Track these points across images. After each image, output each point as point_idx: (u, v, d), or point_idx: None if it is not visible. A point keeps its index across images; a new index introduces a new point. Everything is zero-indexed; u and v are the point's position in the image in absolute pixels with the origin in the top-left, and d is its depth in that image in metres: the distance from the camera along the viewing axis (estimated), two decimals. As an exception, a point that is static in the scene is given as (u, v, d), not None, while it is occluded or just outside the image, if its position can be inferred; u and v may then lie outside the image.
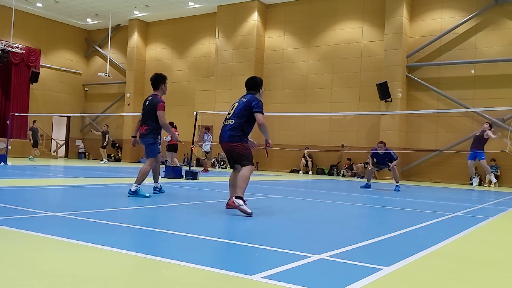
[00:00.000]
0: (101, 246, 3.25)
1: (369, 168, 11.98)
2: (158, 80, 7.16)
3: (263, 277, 2.60)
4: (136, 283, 2.44)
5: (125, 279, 2.51)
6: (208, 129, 16.50)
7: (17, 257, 2.84)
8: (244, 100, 5.79)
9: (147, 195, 6.75)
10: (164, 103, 7.06)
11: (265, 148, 5.96)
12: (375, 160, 11.67)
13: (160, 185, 7.54)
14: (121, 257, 3.00)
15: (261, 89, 6.07)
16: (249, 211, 5.25)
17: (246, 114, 5.71)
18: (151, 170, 7.24)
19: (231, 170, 6.02)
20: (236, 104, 5.84)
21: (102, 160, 21.83)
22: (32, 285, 2.30)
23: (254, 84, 6.01)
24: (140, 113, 7.41)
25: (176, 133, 16.63)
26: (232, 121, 5.74)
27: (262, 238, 3.96)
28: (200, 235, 3.87)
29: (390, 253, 3.65)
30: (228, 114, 5.86)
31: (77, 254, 3.03)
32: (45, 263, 2.76)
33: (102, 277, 2.51)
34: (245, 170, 5.55)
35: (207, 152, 15.68)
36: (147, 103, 7.13)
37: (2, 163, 14.87)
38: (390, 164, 11.37)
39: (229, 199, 5.65)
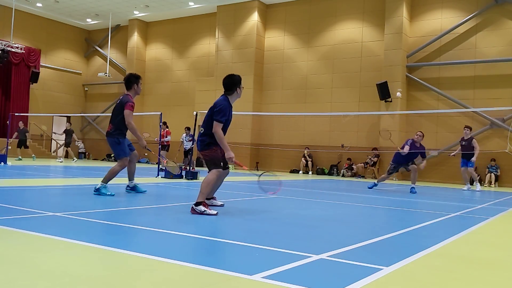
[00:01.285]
0: (101, 246, 3.25)
1: (384, 175, 11.27)
2: (131, 80, 7.04)
3: (263, 277, 2.60)
4: (136, 283, 2.44)
5: (125, 279, 2.51)
6: (189, 128, 16.20)
7: (17, 257, 2.84)
8: (212, 106, 5.56)
9: (108, 193, 6.63)
10: (133, 103, 6.93)
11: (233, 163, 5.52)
12: (393, 166, 10.96)
13: (135, 185, 7.35)
14: (121, 257, 3.00)
15: (239, 88, 5.71)
16: (214, 212, 5.20)
17: (211, 121, 5.47)
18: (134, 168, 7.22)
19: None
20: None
21: (73, 159, 21.04)
22: (32, 285, 2.30)
23: (230, 84, 5.65)
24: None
25: (168, 136, 16.66)
26: (201, 129, 5.64)
27: (262, 238, 3.96)
28: (200, 235, 3.87)
29: (390, 253, 3.65)
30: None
31: (77, 254, 3.02)
32: (45, 263, 2.76)
33: (102, 277, 2.51)
34: (208, 174, 5.42)
35: (188, 151, 15.46)
36: (118, 101, 7.05)
37: (2, 163, 14.88)
38: (413, 163, 10.73)
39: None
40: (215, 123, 5.41)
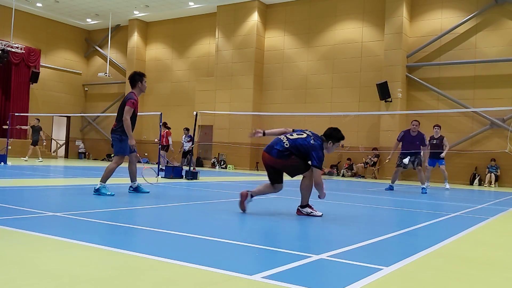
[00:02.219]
0: (101, 246, 3.25)
1: (394, 173, 11.15)
2: (135, 78, 7.06)
3: (263, 277, 2.60)
4: (136, 283, 2.44)
5: (125, 279, 2.51)
6: (188, 129, 16.13)
7: (17, 257, 2.84)
8: (312, 143, 5.42)
9: (108, 193, 6.63)
10: (136, 100, 6.94)
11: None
12: (399, 157, 10.73)
13: (137, 186, 7.34)
14: (121, 257, 3.00)
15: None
16: (320, 213, 5.51)
17: (303, 153, 5.40)
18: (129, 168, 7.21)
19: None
20: (302, 135, 5.51)
21: (38, 158, 19.17)
22: (32, 285, 2.30)
23: (329, 135, 5.69)
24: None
25: (169, 137, 16.60)
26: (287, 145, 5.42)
27: (262, 238, 3.96)
28: (200, 235, 3.87)
29: (390, 253, 3.65)
30: (291, 135, 5.55)
31: (77, 254, 3.02)
32: (45, 263, 2.76)
33: (102, 277, 2.51)
34: (306, 179, 5.56)
35: (187, 152, 15.38)
36: (123, 99, 7.08)
37: (2, 163, 14.88)
38: (418, 159, 10.52)
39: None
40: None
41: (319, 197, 5.50)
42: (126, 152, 6.95)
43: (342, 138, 5.79)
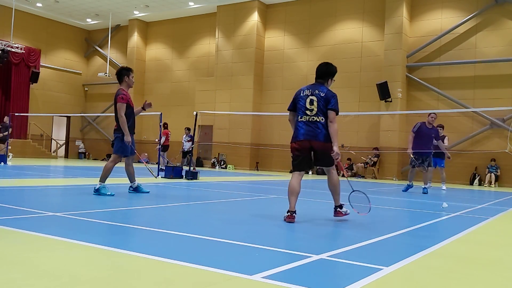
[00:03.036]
0: (101, 246, 3.25)
1: (409, 173, 10.72)
2: (122, 73, 6.98)
3: (263, 277, 2.60)
4: (136, 283, 2.44)
5: (124, 279, 2.51)
6: (189, 129, 16.10)
7: (17, 257, 2.84)
8: (321, 94, 5.04)
9: (108, 193, 6.62)
10: (125, 95, 6.82)
11: (337, 160, 5.05)
12: (414, 157, 10.12)
13: (137, 185, 7.32)
14: (121, 257, 3.00)
15: (331, 79, 5.30)
16: (349, 211, 5.31)
17: (325, 110, 5.01)
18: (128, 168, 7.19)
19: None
20: (314, 98, 5.05)
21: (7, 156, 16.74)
22: (32, 285, 2.30)
23: (326, 72, 5.27)
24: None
25: (162, 137, 16.55)
26: (322, 119, 4.99)
27: (262, 238, 3.96)
28: (200, 235, 3.87)
29: (390, 253, 3.65)
30: (307, 109, 5.05)
31: (77, 254, 3.02)
32: (45, 263, 2.76)
33: (102, 277, 2.51)
34: (334, 175, 5.19)
35: (187, 152, 15.34)
36: (114, 99, 7.00)
37: (2, 163, 14.87)
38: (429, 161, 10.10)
39: (290, 211, 4.91)
40: (333, 114, 5.00)
41: (332, 151, 4.92)
42: (125, 152, 6.92)
43: (336, 71, 5.38)
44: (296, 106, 5.21)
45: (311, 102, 5.05)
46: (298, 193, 4.99)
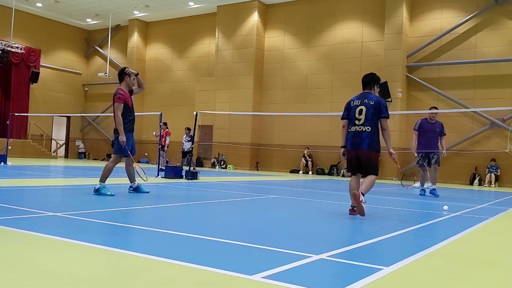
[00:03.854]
0: (101, 246, 3.25)
1: (421, 172, 9.84)
2: (123, 73, 6.99)
3: (263, 277, 2.60)
4: (136, 283, 2.44)
5: (125, 279, 2.51)
6: (189, 129, 16.06)
7: (17, 257, 2.84)
8: (371, 103, 5.59)
9: (108, 193, 6.62)
10: (122, 94, 6.78)
11: (393, 159, 5.92)
12: (420, 155, 9.52)
13: (137, 185, 7.32)
14: (121, 257, 3.00)
15: (377, 86, 5.85)
16: (364, 212, 5.42)
17: (376, 120, 5.60)
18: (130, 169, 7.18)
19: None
20: (363, 107, 5.61)
21: None
22: (32, 285, 2.30)
23: (372, 80, 5.80)
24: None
25: (167, 137, 16.50)
26: (368, 128, 5.59)
27: (262, 238, 3.96)
28: (200, 235, 3.87)
29: (390, 253, 3.65)
30: (356, 119, 5.64)
31: (77, 254, 3.02)
32: (45, 263, 2.76)
33: (102, 277, 2.51)
34: (372, 177, 5.71)
35: (187, 152, 15.30)
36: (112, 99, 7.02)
37: (2, 163, 14.88)
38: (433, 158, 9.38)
39: (351, 207, 5.66)
40: (386, 122, 5.70)
41: (390, 153, 5.75)
42: (125, 152, 6.92)
43: (379, 78, 5.96)
44: (349, 116, 5.79)
45: (360, 112, 5.64)
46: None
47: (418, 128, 9.70)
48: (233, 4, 21.98)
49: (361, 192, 5.42)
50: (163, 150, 16.55)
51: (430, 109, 9.99)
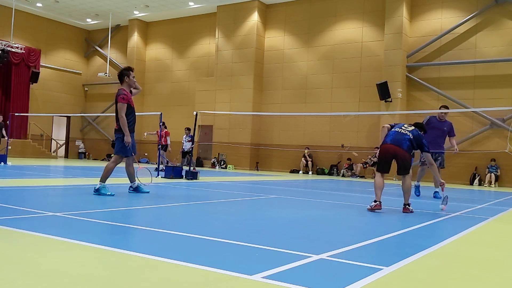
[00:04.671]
0: (101, 246, 3.25)
1: (421, 169, 9.55)
2: (122, 74, 7.03)
3: (263, 277, 2.60)
4: (136, 283, 2.44)
5: (125, 279, 2.51)
6: (189, 129, 16.03)
7: (17, 257, 2.84)
8: (410, 137, 6.34)
9: (108, 193, 6.62)
10: (125, 95, 6.85)
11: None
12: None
13: (137, 186, 7.33)
14: (121, 257, 3.00)
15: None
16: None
17: (413, 146, 6.39)
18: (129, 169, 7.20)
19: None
20: (408, 133, 6.37)
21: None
22: (32, 285, 2.30)
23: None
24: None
25: (167, 136, 16.48)
26: (410, 135, 6.40)
27: (262, 238, 3.96)
28: (200, 235, 3.87)
29: (390, 253, 3.65)
30: (402, 128, 6.46)
31: (77, 254, 3.02)
32: (45, 263, 2.76)
33: (102, 277, 2.51)
34: (408, 179, 6.46)
35: (187, 152, 15.27)
36: (114, 99, 7.03)
37: (2, 163, 14.88)
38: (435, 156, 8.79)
39: (377, 201, 6.26)
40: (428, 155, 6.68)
41: (436, 181, 6.82)
42: (127, 152, 6.94)
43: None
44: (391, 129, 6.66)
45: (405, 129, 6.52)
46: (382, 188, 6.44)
47: (426, 124, 9.03)
48: (233, 4, 21.98)
49: (407, 205, 6.36)
50: (165, 150, 16.54)
51: (440, 108, 9.69)
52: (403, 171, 6.36)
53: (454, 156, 17.19)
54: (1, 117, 18.21)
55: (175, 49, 25.09)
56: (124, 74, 7.02)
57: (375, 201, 6.23)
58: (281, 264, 2.94)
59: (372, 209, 6.18)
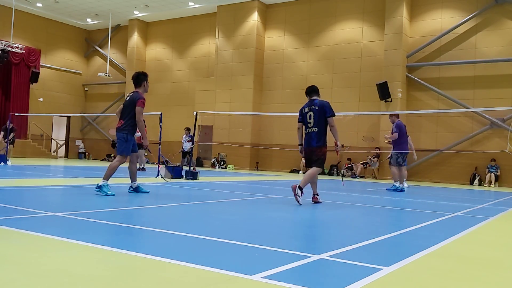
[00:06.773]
0: (101, 246, 3.25)
1: (400, 171, 10.73)
2: (140, 78, 7.22)
3: (263, 277, 2.60)
4: (136, 283, 2.44)
5: (125, 279, 2.51)
6: (189, 129, 16.03)
7: (17, 257, 2.84)
8: (316, 108, 6.82)
9: (109, 192, 6.64)
10: (144, 100, 7.09)
11: (336, 150, 7.15)
12: (403, 157, 10.65)
13: (137, 185, 7.36)
14: (121, 257, 3.00)
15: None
16: (300, 203, 6.48)
17: (322, 121, 6.81)
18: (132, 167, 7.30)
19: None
20: (311, 113, 6.88)
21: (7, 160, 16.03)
22: (32, 285, 2.30)
23: (311, 90, 7.12)
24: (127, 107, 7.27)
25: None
26: (315, 129, 6.90)
27: (262, 238, 3.96)
28: (200, 235, 3.87)
29: (390, 253, 3.65)
30: (308, 123, 6.91)
31: (77, 254, 3.03)
32: (45, 263, 2.76)
33: (102, 277, 2.51)
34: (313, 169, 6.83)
35: (187, 153, 15.28)
36: (128, 98, 7.15)
37: (2, 163, 14.87)
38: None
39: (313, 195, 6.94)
40: (333, 120, 6.97)
41: (335, 143, 6.95)
42: (129, 152, 7.04)
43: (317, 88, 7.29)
44: (303, 120, 7.08)
45: (310, 117, 6.95)
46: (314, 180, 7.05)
47: (399, 130, 10.60)
48: (233, 4, 21.98)
49: (298, 187, 6.46)
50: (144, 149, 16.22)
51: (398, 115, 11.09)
52: (315, 163, 7.01)
53: (454, 156, 17.22)
54: (12, 124, 17.72)
55: (175, 49, 25.09)
56: (143, 78, 7.24)
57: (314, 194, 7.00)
58: (281, 264, 2.94)
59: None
